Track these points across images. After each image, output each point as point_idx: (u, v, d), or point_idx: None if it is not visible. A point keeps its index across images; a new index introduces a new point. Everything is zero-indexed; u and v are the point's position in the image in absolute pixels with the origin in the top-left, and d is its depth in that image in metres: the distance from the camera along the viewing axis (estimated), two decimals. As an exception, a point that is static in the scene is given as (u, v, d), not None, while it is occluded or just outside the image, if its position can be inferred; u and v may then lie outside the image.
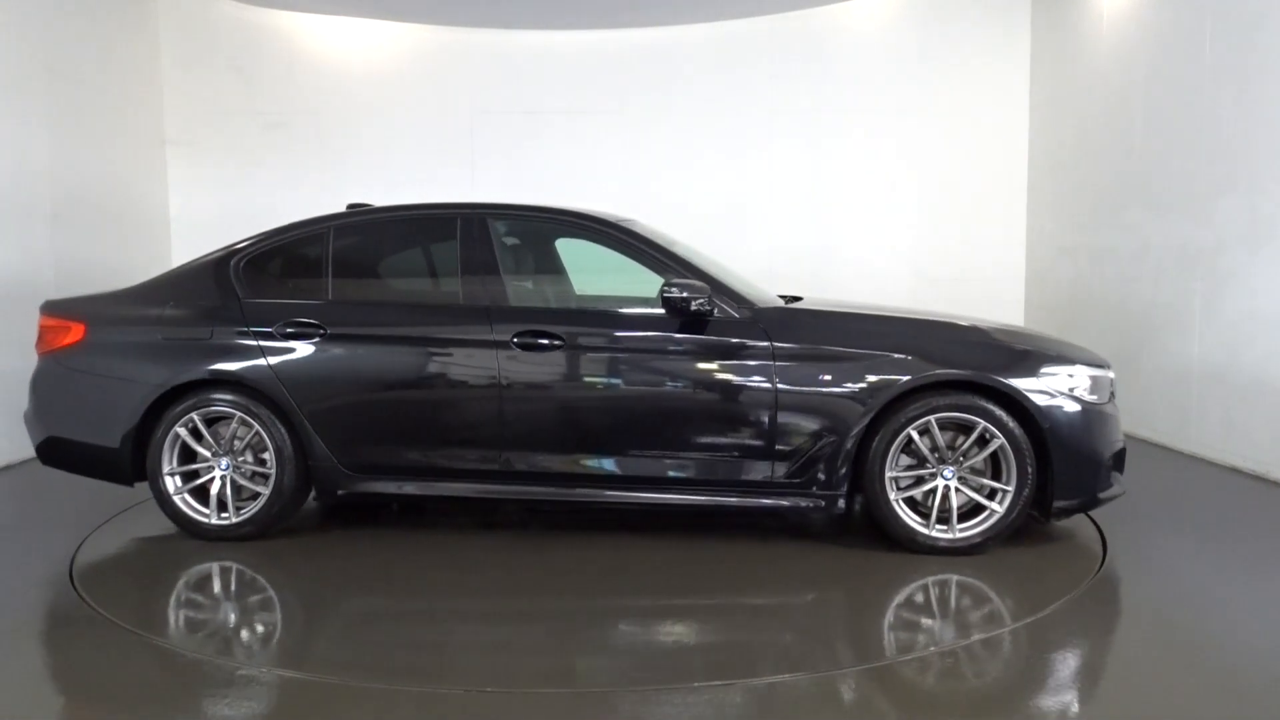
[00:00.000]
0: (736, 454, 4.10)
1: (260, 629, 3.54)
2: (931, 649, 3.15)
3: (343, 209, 4.79)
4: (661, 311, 4.11)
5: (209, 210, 8.18)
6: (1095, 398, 4.05)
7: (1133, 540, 4.23)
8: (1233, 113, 5.59)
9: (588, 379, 4.20)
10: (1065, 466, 3.95)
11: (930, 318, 4.38)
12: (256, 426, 4.28)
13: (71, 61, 6.81)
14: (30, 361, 6.27)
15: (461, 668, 3.09)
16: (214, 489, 4.32)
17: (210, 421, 4.36)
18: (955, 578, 3.78)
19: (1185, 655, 3.16)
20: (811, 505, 4.10)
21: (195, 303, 4.44)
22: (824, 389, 4.02)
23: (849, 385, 4.00)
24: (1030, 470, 3.93)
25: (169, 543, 4.52)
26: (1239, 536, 4.42)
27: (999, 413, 3.93)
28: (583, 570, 3.99)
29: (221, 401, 4.32)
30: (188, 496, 4.36)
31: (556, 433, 4.21)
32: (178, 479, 4.35)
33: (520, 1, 7.63)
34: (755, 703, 2.79)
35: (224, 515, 4.33)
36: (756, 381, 4.05)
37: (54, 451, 4.57)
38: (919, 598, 3.65)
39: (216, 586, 3.99)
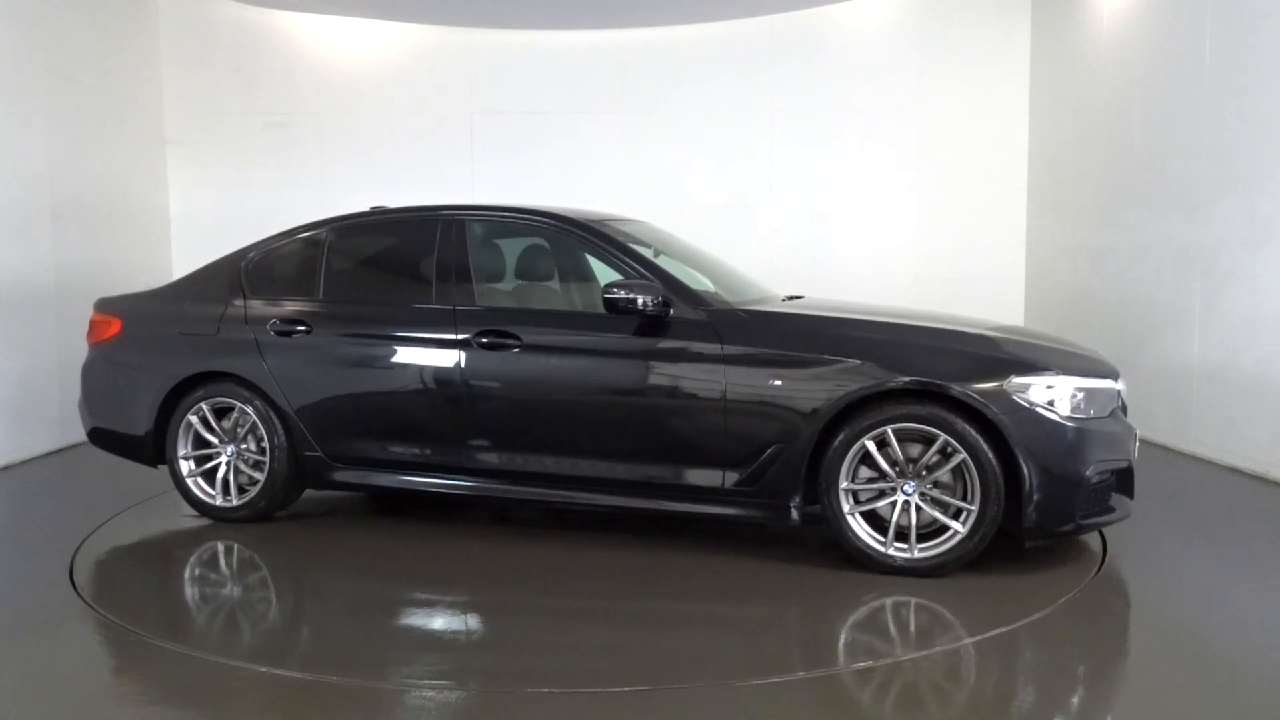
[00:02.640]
0: (686, 459, 3.99)
1: (259, 627, 3.54)
2: (930, 651, 3.15)
3: (345, 210, 4.87)
4: (636, 313, 4.00)
5: (209, 210, 8.18)
6: (1088, 411, 3.72)
7: (1132, 540, 4.22)
8: (1233, 113, 5.59)
9: (542, 379, 4.19)
10: (1038, 486, 3.60)
11: (903, 321, 4.10)
12: (254, 417, 4.53)
13: (71, 61, 6.81)
14: (33, 362, 6.31)
15: (462, 667, 3.09)
16: (220, 474, 4.63)
17: (220, 412, 4.66)
18: (946, 577, 3.75)
19: (1185, 655, 3.16)
20: (763, 516, 3.92)
21: (209, 301, 4.76)
22: (773, 394, 3.82)
23: (799, 391, 3.79)
24: (996, 489, 3.62)
25: (168, 542, 4.57)
26: (1239, 537, 4.42)
27: (961, 425, 3.63)
28: (576, 570, 3.99)
29: (225, 393, 4.61)
30: (200, 479, 4.68)
31: (513, 431, 4.24)
32: (191, 463, 4.68)
33: (520, 1, 7.63)
34: (753, 704, 2.79)
35: (227, 498, 4.63)
36: (706, 385, 3.91)
37: (98, 435, 4.97)
38: (913, 596, 3.63)
39: (215, 585, 4.01)
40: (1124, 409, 3.99)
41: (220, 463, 4.64)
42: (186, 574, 4.12)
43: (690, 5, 7.93)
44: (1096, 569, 3.89)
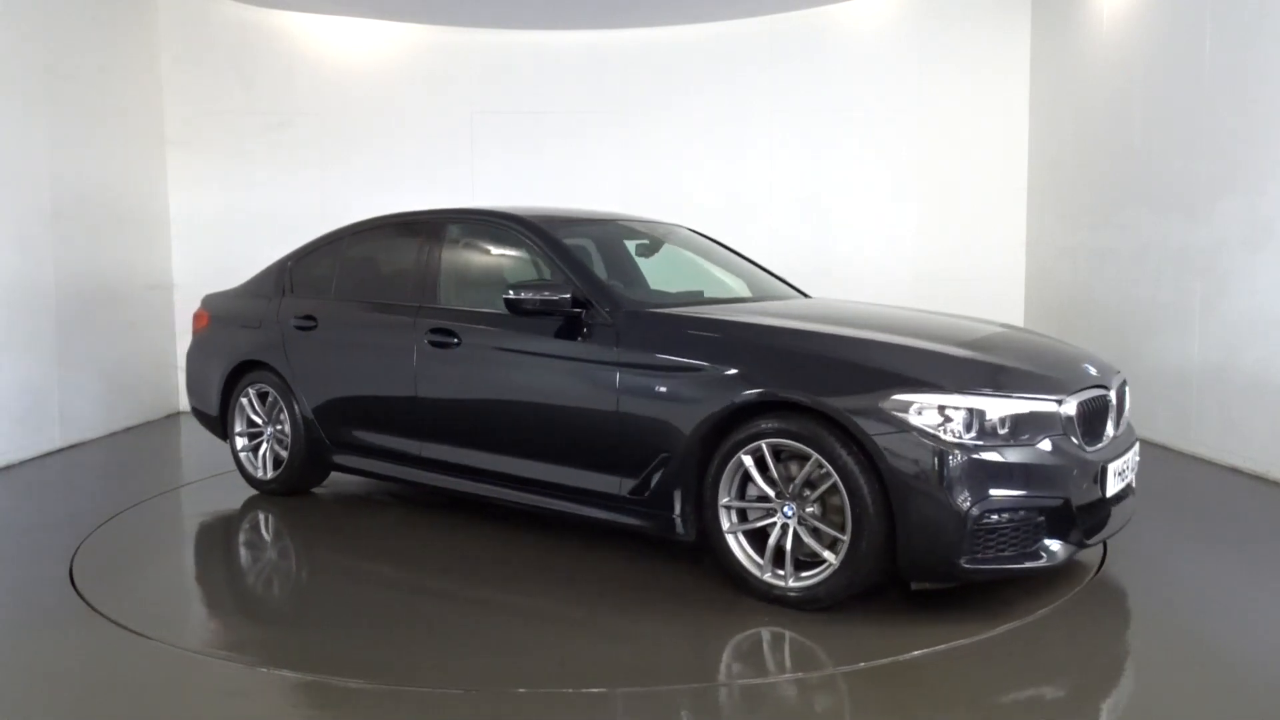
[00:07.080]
0: (587, 464, 3.92)
1: (259, 627, 3.53)
2: (928, 651, 3.15)
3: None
4: (545, 314, 3.99)
5: (209, 210, 8.19)
6: (1008, 437, 3.22)
7: (1132, 540, 4.22)
8: (1233, 113, 5.59)
9: (473, 378, 4.30)
10: (910, 519, 3.17)
11: (807, 326, 3.72)
12: (281, 402, 5.07)
13: (71, 61, 6.81)
14: (33, 362, 6.31)
15: (463, 669, 3.09)
16: (260, 450, 5.26)
17: (263, 396, 5.22)
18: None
19: (1185, 655, 3.16)
20: (654, 527, 3.77)
21: (261, 297, 5.31)
22: (657, 402, 3.68)
23: (679, 399, 3.63)
24: (871, 518, 3.21)
25: (167, 542, 4.60)
26: (1239, 537, 4.42)
27: (831, 444, 3.26)
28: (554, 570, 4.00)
29: (263, 380, 5.16)
30: (250, 454, 5.29)
31: (451, 426, 4.41)
32: (245, 439, 5.32)
33: (520, 1, 7.63)
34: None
35: (264, 472, 5.24)
36: (603, 389, 3.82)
37: (196, 413, 5.67)
38: (901, 594, 3.62)
39: (215, 585, 4.01)
40: (1087, 433, 3.46)
41: (262, 440, 5.24)
42: (186, 573, 4.13)
43: (690, 5, 7.92)
44: (1096, 569, 3.89)
